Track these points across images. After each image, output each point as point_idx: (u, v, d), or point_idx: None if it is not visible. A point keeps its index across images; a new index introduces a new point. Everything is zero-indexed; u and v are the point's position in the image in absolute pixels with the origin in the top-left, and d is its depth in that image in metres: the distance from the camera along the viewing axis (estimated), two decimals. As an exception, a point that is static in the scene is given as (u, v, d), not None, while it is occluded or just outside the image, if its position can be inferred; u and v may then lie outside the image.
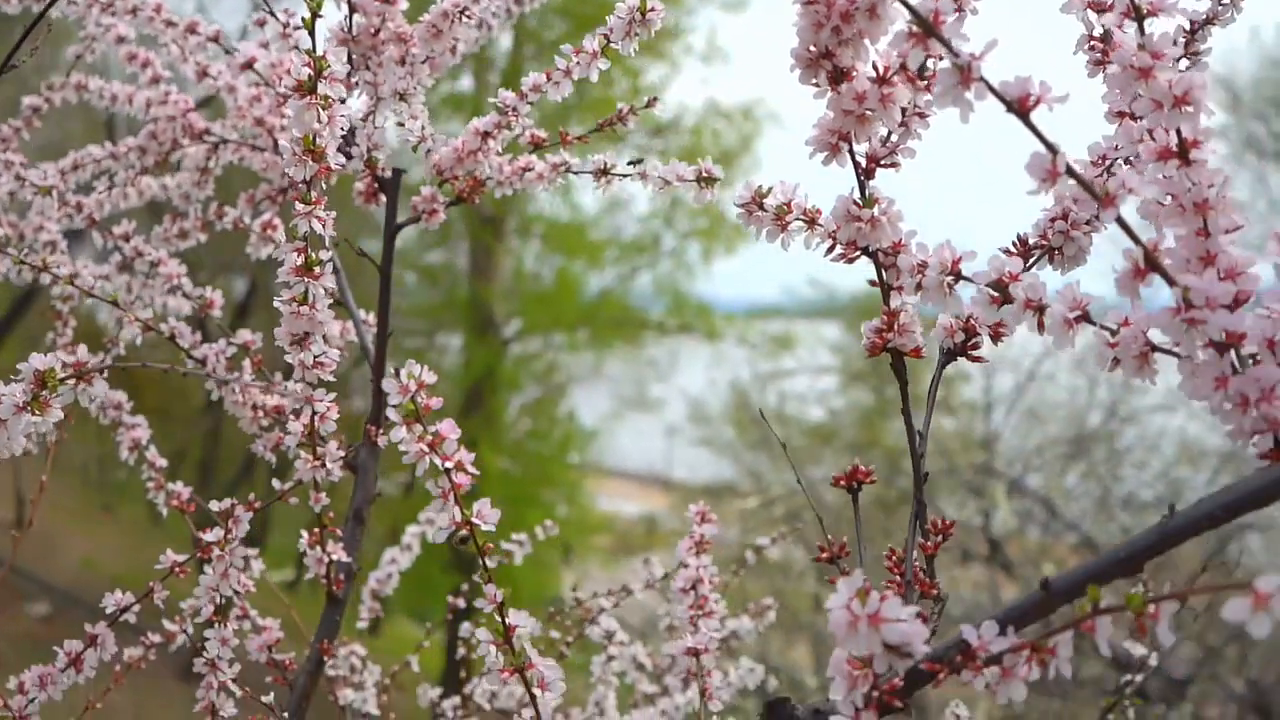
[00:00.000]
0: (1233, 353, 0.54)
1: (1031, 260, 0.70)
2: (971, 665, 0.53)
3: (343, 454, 0.93)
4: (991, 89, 0.51)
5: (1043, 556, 6.93)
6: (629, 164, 0.96)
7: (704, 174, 0.86)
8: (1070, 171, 0.51)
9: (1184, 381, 0.54)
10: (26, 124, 1.36)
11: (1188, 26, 0.72)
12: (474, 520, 0.64)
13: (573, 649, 1.44)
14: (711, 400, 11.24)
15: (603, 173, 0.98)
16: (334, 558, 0.98)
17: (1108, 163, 0.70)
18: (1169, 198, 0.56)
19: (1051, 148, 0.52)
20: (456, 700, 1.36)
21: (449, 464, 0.63)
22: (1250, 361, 0.54)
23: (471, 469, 0.64)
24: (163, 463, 1.12)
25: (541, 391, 12.09)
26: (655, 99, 1.03)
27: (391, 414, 0.62)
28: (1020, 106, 0.51)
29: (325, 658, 1.00)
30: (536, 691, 0.66)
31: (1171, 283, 0.52)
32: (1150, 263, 0.53)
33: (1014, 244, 0.70)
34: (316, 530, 0.98)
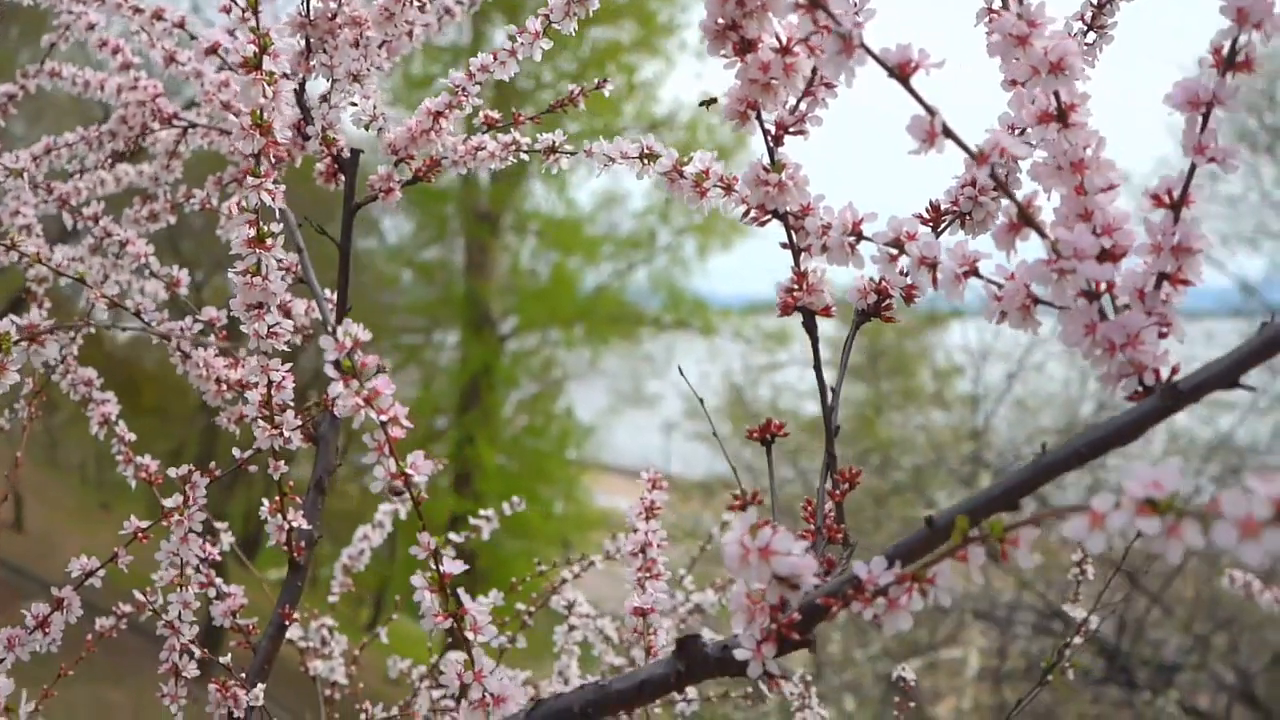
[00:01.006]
0: (1108, 302, 0.57)
1: (943, 225, 0.73)
2: (861, 598, 0.56)
3: (300, 423, 0.96)
4: (873, 55, 0.54)
5: (1033, 546, 6.96)
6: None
7: (646, 151, 0.89)
8: (947, 132, 0.55)
9: (1061, 330, 0.57)
10: (2, 111, 1.39)
11: (1095, 1, 0.76)
12: (409, 472, 0.68)
13: (541, 627, 1.48)
14: (706, 394, 11.26)
15: (551, 150, 1.01)
16: (294, 525, 1.02)
17: (1016, 131, 0.73)
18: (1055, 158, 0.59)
19: (930, 110, 0.55)
20: (424, 669, 1.40)
21: (385, 418, 0.67)
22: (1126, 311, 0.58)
23: (406, 423, 0.67)
24: (132, 436, 1.15)
25: (538, 388, 12.14)
26: (605, 80, 1.07)
27: (329, 370, 0.65)
28: (901, 72, 0.55)
29: (286, 622, 1.04)
30: (469, 635, 0.69)
31: (1044, 236, 0.56)
32: (1024, 217, 0.56)
33: (926, 210, 0.74)
34: (277, 498, 1.01)
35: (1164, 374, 0.55)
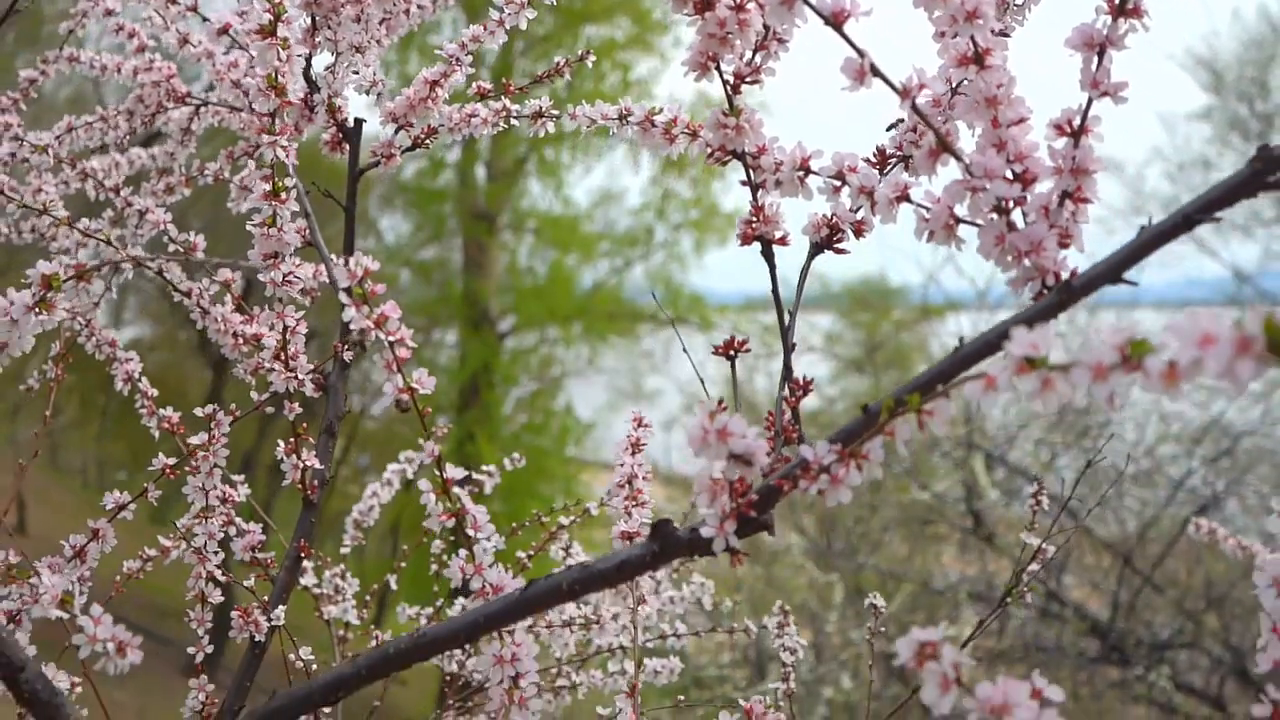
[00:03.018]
0: (1019, 217, 0.66)
1: (889, 166, 0.82)
2: (808, 476, 0.65)
3: (313, 368, 1.05)
4: (810, 5, 0.63)
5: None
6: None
7: (624, 113, 0.98)
8: (875, 71, 0.64)
9: (979, 244, 0.66)
10: (24, 95, 1.48)
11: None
12: (414, 385, 0.76)
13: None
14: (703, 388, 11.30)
15: (538, 115, 1.10)
16: (308, 465, 1.10)
17: (954, 81, 0.82)
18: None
19: (860, 52, 0.64)
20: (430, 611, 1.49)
21: (393, 339, 0.76)
22: (1036, 229, 0.66)
23: (411, 344, 0.76)
24: (154, 392, 1.24)
25: (537, 385, 12.23)
26: (589, 52, 1.16)
27: (342, 296, 0.74)
28: (836, 20, 0.64)
29: (302, 555, 1.12)
30: (471, 532, 0.78)
31: (959, 159, 0.65)
32: (942, 144, 0.65)
33: (874, 153, 0.82)
34: (293, 440, 1.10)
35: (1063, 277, 0.63)
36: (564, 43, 11.38)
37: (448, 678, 1.50)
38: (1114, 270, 0.60)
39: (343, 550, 1.55)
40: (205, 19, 1.25)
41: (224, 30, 1.20)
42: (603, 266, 12.55)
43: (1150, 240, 0.59)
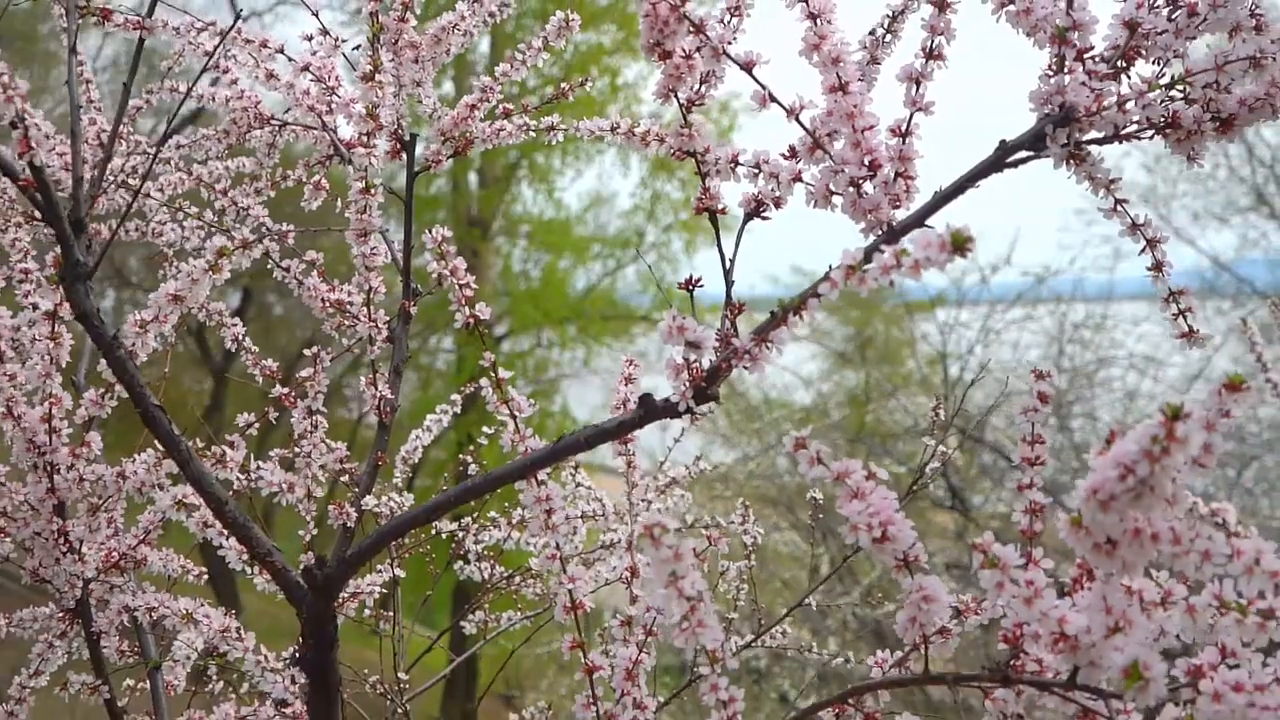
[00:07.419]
0: (870, 189, 1.03)
1: (797, 159, 1.19)
2: (738, 357, 1.01)
3: (388, 318, 1.42)
4: (729, 57, 1.00)
5: (1001, 504, 7.48)
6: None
7: (614, 125, 1.35)
8: (772, 98, 1.00)
9: (842, 205, 1.03)
10: (130, 120, 1.85)
11: (890, 13, 1.21)
12: (477, 314, 1.13)
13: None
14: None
15: (552, 128, 1.47)
16: (383, 395, 1.47)
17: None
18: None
19: (763, 86, 1.01)
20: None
21: (462, 282, 1.12)
22: (882, 196, 1.03)
23: (473, 284, 1.13)
24: (256, 348, 1.60)
25: (533, 388, 12.56)
26: (588, 78, 1.53)
27: (427, 254, 1.11)
28: (747, 66, 1.01)
29: (379, 464, 1.49)
30: (516, 412, 1.15)
31: (827, 153, 1.02)
32: (816, 144, 1.02)
33: (788, 149, 1.19)
34: (370, 375, 1.46)
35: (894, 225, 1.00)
36: (551, 51, 11.69)
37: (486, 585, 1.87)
38: (919, 219, 0.97)
39: (394, 481, 1.92)
40: (290, 59, 1.62)
41: (305, 68, 1.57)
42: (595, 269, 12.91)
43: (940, 199, 0.96)
